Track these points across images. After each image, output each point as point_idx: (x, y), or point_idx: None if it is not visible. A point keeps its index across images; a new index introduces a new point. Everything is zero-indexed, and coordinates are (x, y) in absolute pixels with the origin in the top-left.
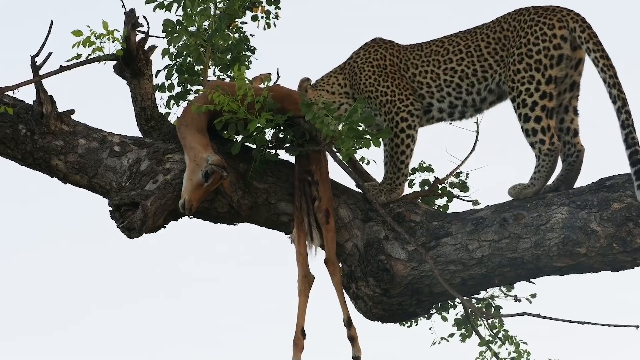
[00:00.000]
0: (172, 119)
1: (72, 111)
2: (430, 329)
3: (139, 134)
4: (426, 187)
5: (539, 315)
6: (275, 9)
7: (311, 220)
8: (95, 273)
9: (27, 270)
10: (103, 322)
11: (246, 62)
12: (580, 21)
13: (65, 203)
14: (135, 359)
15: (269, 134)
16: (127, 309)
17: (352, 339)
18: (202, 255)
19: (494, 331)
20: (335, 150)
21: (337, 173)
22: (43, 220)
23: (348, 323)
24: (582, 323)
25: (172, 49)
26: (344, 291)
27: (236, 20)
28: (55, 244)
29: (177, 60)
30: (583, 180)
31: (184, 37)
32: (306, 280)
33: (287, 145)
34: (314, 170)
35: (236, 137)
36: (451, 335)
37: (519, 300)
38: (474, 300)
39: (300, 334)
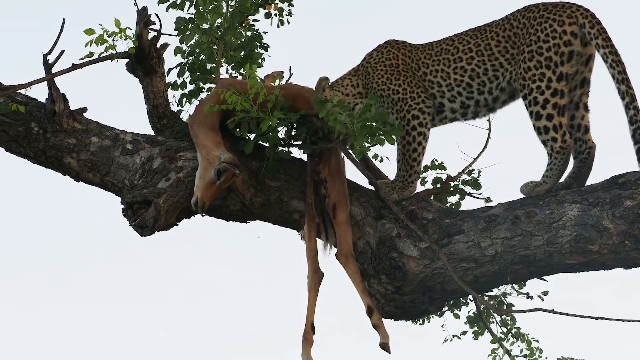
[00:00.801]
0: (184, 116)
1: (84, 109)
2: (442, 326)
3: (151, 132)
4: (438, 185)
5: (552, 311)
6: (288, 6)
7: (326, 219)
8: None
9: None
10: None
11: (259, 60)
12: (590, 17)
13: (77, 201)
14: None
15: (281, 132)
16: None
17: (377, 326)
18: (210, 251)
19: (506, 328)
20: (348, 147)
21: (349, 170)
22: (55, 219)
23: (369, 312)
24: (596, 318)
25: (184, 47)
26: (362, 280)
27: (248, 17)
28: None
29: (190, 58)
30: (595, 177)
31: (196, 35)
32: (316, 276)
33: (300, 142)
34: (320, 169)
35: (249, 135)
36: (463, 332)
37: (531, 298)
38: (486, 298)
39: (310, 328)
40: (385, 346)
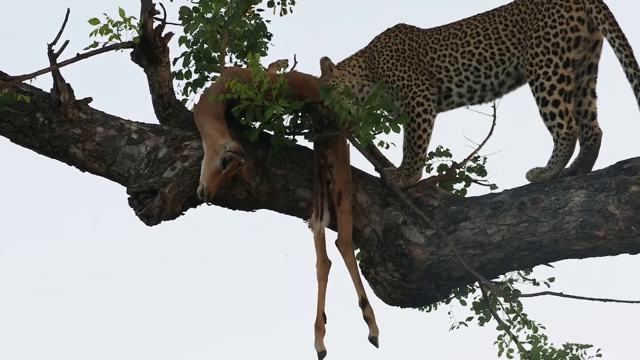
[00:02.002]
0: (189, 106)
1: (89, 99)
2: (449, 313)
3: (156, 122)
4: (444, 172)
5: (561, 294)
6: None
7: (324, 201)
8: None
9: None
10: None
11: (263, 49)
12: (597, 2)
13: (83, 190)
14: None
15: (286, 120)
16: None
17: (368, 319)
18: (217, 242)
19: (512, 315)
20: (353, 135)
21: (355, 158)
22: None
23: (363, 303)
24: (605, 300)
25: (189, 36)
26: (359, 271)
27: (252, 6)
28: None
29: (194, 47)
30: (601, 163)
31: (201, 24)
32: (325, 265)
33: (306, 130)
34: (327, 154)
35: (254, 123)
36: (470, 319)
37: (538, 284)
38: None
39: (322, 317)
40: (374, 340)
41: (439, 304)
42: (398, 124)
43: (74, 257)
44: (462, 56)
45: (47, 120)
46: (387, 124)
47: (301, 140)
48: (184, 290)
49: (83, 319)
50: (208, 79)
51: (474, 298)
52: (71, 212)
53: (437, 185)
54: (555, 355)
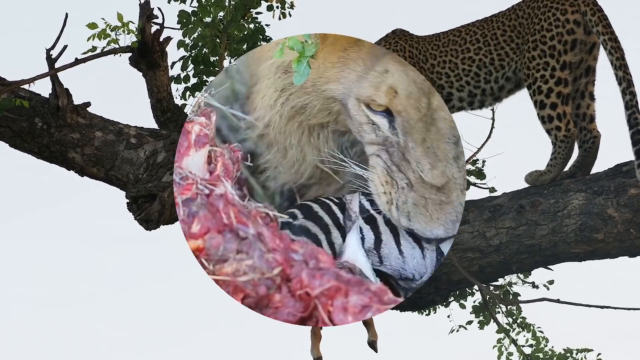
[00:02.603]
0: (188, 110)
1: (88, 104)
2: (448, 316)
3: (155, 126)
4: None
5: (558, 301)
6: None
7: None
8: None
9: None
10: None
11: None
12: (592, 4)
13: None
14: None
15: None
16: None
17: (367, 323)
18: None
19: (512, 318)
20: None
21: None
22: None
23: None
24: (602, 307)
25: (187, 41)
26: None
27: (251, 10)
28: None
29: (193, 51)
30: (599, 166)
31: (199, 28)
32: None
33: None
34: None
35: None
36: (469, 322)
37: (537, 287)
38: (491, 288)
39: None
40: (373, 344)
41: (438, 307)
42: None
43: (73, 258)
44: (462, 62)
45: (45, 125)
46: None
47: None
48: (181, 290)
49: (81, 317)
50: (207, 83)
51: (474, 302)
52: (70, 212)
53: None
54: (555, 359)
